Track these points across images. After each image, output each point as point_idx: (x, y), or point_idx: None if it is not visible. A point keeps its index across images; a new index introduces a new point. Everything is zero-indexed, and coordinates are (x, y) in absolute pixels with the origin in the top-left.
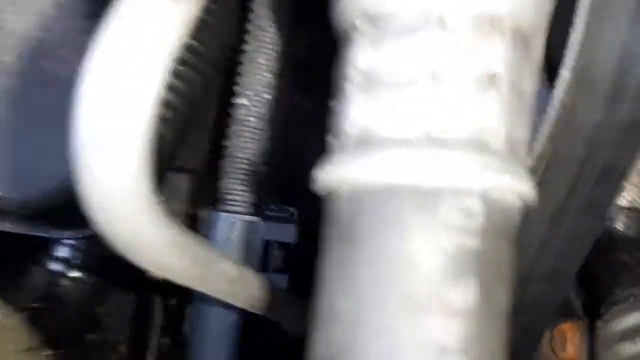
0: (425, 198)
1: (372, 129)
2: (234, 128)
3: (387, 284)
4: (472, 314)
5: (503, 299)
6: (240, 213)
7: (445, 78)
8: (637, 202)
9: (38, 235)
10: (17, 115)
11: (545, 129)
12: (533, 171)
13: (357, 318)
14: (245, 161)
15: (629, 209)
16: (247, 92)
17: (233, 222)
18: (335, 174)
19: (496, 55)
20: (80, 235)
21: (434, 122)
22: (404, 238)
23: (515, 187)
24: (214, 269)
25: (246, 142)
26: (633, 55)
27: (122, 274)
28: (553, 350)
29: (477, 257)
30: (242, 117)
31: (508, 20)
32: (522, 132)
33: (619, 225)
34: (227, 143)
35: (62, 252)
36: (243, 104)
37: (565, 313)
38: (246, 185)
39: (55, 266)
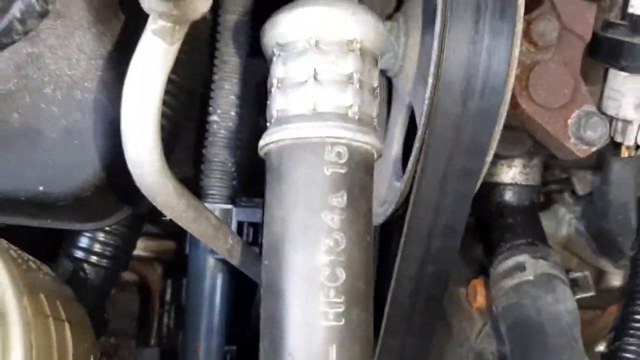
0: (316, 147)
1: (285, 111)
2: (209, 139)
3: (300, 198)
4: (344, 210)
5: (364, 203)
6: (219, 203)
7: (322, 79)
8: (517, 178)
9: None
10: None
11: (422, 119)
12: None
13: (284, 218)
14: (220, 164)
15: (511, 184)
16: (218, 111)
17: (213, 209)
18: (268, 140)
19: (351, 65)
20: (98, 227)
21: (318, 104)
22: (306, 170)
23: (365, 140)
24: (201, 213)
25: (220, 149)
26: (475, 63)
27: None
28: (469, 301)
29: (345, 179)
30: (214, 130)
31: (358, 43)
32: (372, 110)
33: (505, 197)
34: (204, 151)
35: (84, 242)
36: (215, 120)
37: (476, 272)
38: (222, 183)
39: (79, 253)
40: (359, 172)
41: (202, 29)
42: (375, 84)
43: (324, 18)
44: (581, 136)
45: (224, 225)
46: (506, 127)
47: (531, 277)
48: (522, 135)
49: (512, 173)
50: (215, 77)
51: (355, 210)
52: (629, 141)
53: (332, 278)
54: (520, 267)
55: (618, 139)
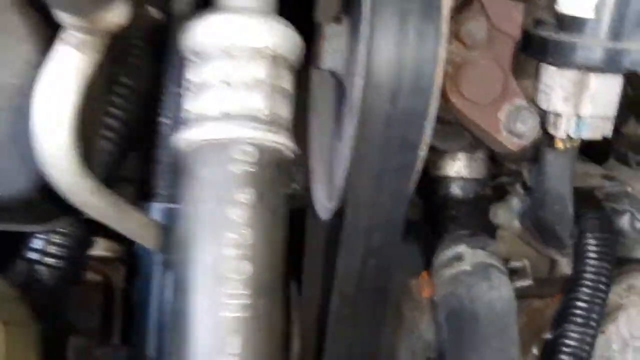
0: (225, 147)
1: (196, 113)
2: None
3: (207, 194)
4: (251, 207)
5: (274, 199)
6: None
7: (232, 83)
8: (462, 172)
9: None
10: None
11: (353, 119)
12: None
13: (192, 214)
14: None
15: (456, 177)
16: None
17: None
18: (179, 141)
19: (261, 70)
20: (51, 229)
21: (227, 106)
22: (215, 169)
23: (276, 140)
24: (126, 212)
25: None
26: (403, 64)
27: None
28: (418, 292)
29: (254, 177)
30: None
31: (268, 50)
32: (284, 112)
33: (450, 190)
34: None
35: (38, 244)
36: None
37: (425, 265)
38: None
39: (33, 255)
40: (269, 171)
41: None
42: (289, 87)
43: (237, 26)
44: (512, 129)
45: (154, 222)
46: (444, 121)
47: (468, 267)
48: (460, 129)
49: (456, 166)
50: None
51: (264, 207)
52: (560, 133)
53: (237, 271)
54: (459, 257)
55: (551, 131)
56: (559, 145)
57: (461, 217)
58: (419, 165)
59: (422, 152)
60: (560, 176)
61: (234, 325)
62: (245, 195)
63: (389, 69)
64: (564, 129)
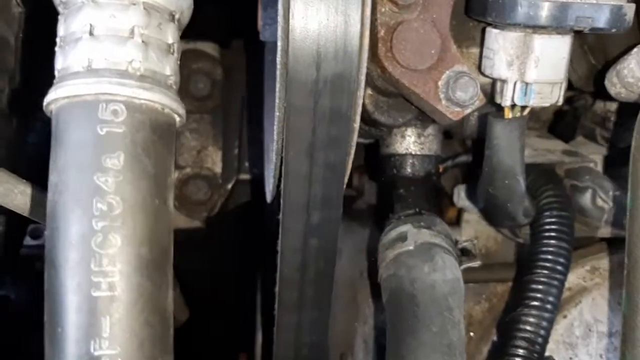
0: (89, 105)
1: (63, 69)
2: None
3: (72, 160)
4: (121, 172)
5: (151, 165)
6: None
7: (99, 35)
8: (411, 148)
9: None
10: None
11: (277, 86)
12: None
13: (58, 183)
14: None
15: (405, 154)
16: None
17: None
18: (46, 101)
19: (132, 19)
20: None
21: (93, 60)
22: (79, 131)
23: (150, 97)
24: (12, 187)
25: None
26: (325, 26)
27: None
28: (373, 275)
29: (122, 139)
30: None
31: None
32: (163, 67)
33: (400, 168)
34: None
35: None
36: None
37: None
38: None
39: None
40: (143, 132)
41: None
42: (170, 41)
43: None
44: (451, 98)
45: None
46: (385, 93)
47: (411, 247)
48: (403, 101)
49: (405, 143)
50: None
51: (136, 173)
52: (506, 101)
53: (104, 245)
54: (402, 238)
55: (498, 100)
56: (509, 114)
57: (409, 196)
58: (353, 137)
59: (355, 123)
60: (509, 148)
61: (103, 305)
62: (112, 160)
63: (310, 31)
64: (510, 96)
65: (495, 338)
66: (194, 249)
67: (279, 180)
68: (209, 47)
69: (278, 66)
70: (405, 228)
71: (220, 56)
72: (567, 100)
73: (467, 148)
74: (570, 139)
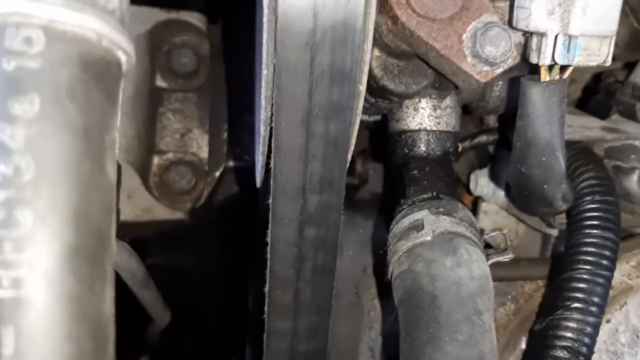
0: None
1: None
2: None
3: None
4: (35, 122)
5: (80, 115)
6: None
7: None
8: (425, 123)
9: None
10: None
11: (264, 36)
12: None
13: None
14: None
15: (418, 130)
16: None
17: None
18: None
19: None
20: None
21: None
22: None
23: (81, 22)
24: None
25: None
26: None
27: None
28: (380, 272)
29: (38, 78)
30: None
31: None
32: None
33: (412, 146)
34: None
35: None
36: None
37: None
38: None
39: None
40: (68, 69)
41: None
42: None
43: None
44: (479, 54)
45: None
46: (396, 53)
47: (429, 237)
48: (419, 63)
49: (419, 117)
50: None
51: (57, 123)
52: (545, 59)
53: (8, 224)
54: (418, 226)
55: (533, 59)
56: (545, 76)
57: (424, 178)
58: (359, 103)
59: (362, 85)
60: (547, 118)
61: (5, 310)
62: (22, 106)
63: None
64: (550, 53)
65: (523, 346)
66: (176, 244)
67: (269, 158)
68: (194, 18)
69: (265, 11)
70: (421, 215)
71: (206, 28)
72: (595, 77)
73: (486, 127)
74: (605, 117)
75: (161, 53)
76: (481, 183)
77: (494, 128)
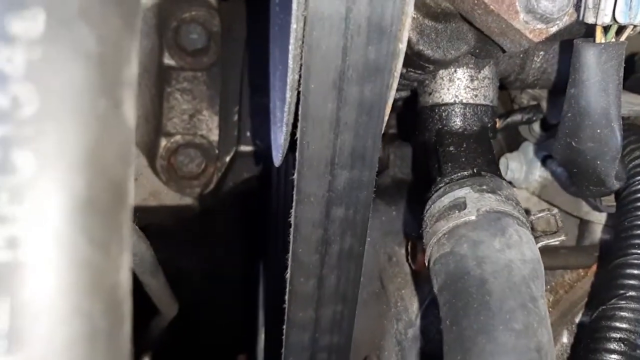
0: None
1: None
2: None
3: None
4: (38, 43)
5: (85, 32)
6: None
7: None
8: (462, 95)
9: None
10: None
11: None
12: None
13: None
14: None
15: (454, 103)
16: None
17: None
18: None
19: None
20: None
21: None
22: None
23: None
24: None
25: None
26: None
27: None
28: (409, 264)
29: None
30: None
31: None
32: None
33: (447, 120)
34: None
35: None
36: None
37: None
38: None
39: None
40: None
41: None
42: None
43: None
44: (534, 8)
45: None
46: (434, 14)
47: (473, 217)
48: (459, 26)
49: (454, 89)
50: None
51: (67, 47)
52: (605, 17)
53: (4, 169)
54: (459, 205)
55: (589, 18)
56: (601, 37)
57: (461, 155)
58: (398, 64)
59: (402, 44)
60: (603, 85)
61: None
62: (23, 23)
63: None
64: (610, 11)
65: (565, 340)
66: (184, 231)
67: (294, 129)
68: None
69: None
70: (463, 192)
71: (217, 3)
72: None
73: (518, 106)
74: None
75: (169, 29)
76: (512, 167)
77: (529, 106)
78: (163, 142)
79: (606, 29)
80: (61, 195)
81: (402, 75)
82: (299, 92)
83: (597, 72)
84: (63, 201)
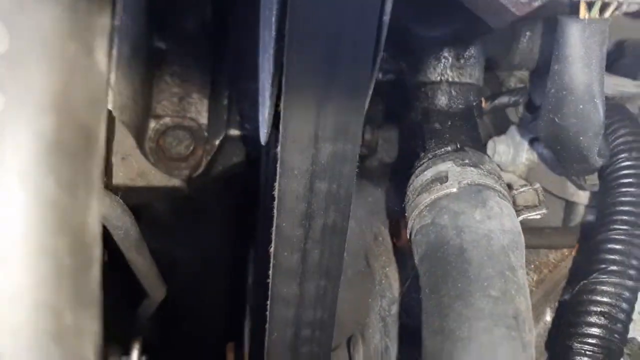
0: None
1: None
2: None
3: None
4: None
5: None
6: None
7: None
8: (447, 74)
9: None
10: None
11: None
12: None
13: None
14: None
15: (439, 82)
16: None
17: None
18: None
19: None
20: None
21: None
22: None
23: None
24: None
25: None
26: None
27: None
28: (393, 241)
29: None
30: None
31: None
32: None
33: (433, 99)
34: None
35: None
36: None
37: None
38: None
39: None
40: None
41: None
42: None
43: None
44: None
45: None
46: None
47: (454, 189)
48: (445, 3)
49: (440, 68)
50: None
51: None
52: None
53: None
54: (441, 178)
55: None
56: (582, 13)
57: (446, 131)
58: (381, 40)
59: (386, 15)
60: (586, 60)
61: None
62: None
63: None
64: None
65: (548, 318)
66: (172, 212)
67: (277, 103)
68: None
69: None
70: (445, 167)
71: None
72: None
73: (506, 89)
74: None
75: (160, 11)
76: (499, 150)
77: (516, 89)
78: (152, 124)
79: (590, 5)
80: (28, 135)
81: (386, 59)
82: (282, 65)
83: (580, 47)
84: (30, 141)
